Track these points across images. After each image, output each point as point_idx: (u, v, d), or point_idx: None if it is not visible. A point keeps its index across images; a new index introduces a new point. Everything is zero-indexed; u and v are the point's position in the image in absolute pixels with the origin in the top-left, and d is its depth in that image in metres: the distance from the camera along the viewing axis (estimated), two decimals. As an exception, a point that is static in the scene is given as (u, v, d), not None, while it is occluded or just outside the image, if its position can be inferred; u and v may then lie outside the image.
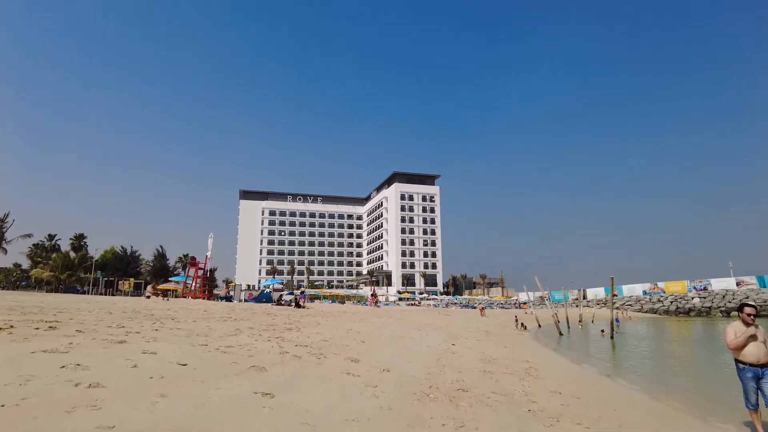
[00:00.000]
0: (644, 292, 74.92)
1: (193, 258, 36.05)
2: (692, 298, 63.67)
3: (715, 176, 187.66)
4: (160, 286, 39.60)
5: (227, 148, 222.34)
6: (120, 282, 53.33)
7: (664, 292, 70.79)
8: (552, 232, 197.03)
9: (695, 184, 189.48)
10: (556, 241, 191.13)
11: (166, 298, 24.31)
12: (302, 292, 42.12)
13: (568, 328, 31.16)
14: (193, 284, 33.92)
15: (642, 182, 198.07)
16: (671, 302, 64.88)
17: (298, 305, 24.80)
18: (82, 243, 58.87)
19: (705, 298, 62.26)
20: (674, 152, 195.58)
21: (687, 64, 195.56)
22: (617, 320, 24.53)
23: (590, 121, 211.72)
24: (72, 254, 46.85)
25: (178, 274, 80.00)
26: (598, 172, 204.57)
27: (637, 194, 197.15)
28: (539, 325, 32.17)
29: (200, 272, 34.00)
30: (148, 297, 23.91)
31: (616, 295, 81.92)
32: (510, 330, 25.93)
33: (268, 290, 38.85)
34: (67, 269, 43.77)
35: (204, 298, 31.61)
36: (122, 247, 72.14)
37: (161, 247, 67.17)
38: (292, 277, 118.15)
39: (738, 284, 62.91)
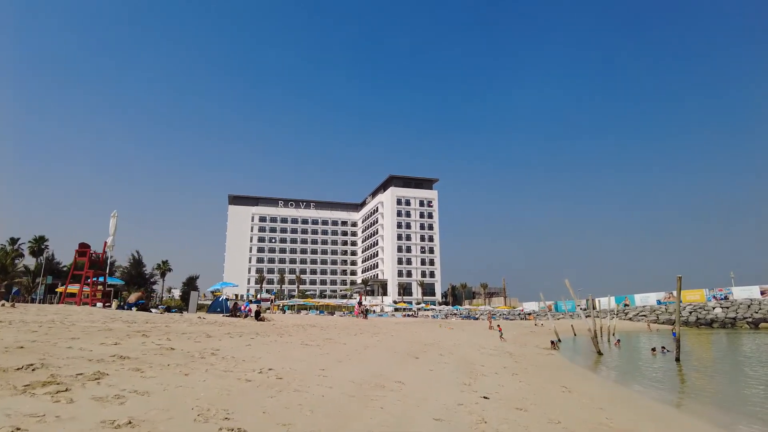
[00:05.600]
0: (658, 302, 70.07)
1: (84, 245, 25.93)
2: (713, 308, 58.86)
3: (717, 186, 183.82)
4: (59, 289, 30.90)
5: (216, 152, 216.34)
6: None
7: (681, 302, 65.75)
8: (555, 240, 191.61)
9: (695, 193, 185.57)
10: (559, 249, 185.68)
11: (11, 304, 16.40)
12: (251, 300, 35.05)
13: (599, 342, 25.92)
14: (83, 282, 25.36)
15: (644, 189, 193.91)
16: (690, 312, 59.87)
17: (258, 317, 19.28)
18: (43, 246, 53.08)
19: (728, 308, 57.39)
20: (676, 159, 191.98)
21: (705, 74, 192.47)
22: (674, 334, 19.11)
23: (593, 126, 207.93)
24: (8, 257, 41.23)
25: (155, 282, 73.67)
26: (602, 177, 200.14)
27: (640, 200, 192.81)
28: (559, 339, 27.35)
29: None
30: None
31: (628, 305, 76.74)
32: (531, 348, 20.42)
33: (223, 297, 31.81)
34: (-2, 273, 38.03)
35: (93, 304, 22.98)
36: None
37: (137, 252, 60.49)
38: (281, 286, 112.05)
39: (763, 293, 58.18)
